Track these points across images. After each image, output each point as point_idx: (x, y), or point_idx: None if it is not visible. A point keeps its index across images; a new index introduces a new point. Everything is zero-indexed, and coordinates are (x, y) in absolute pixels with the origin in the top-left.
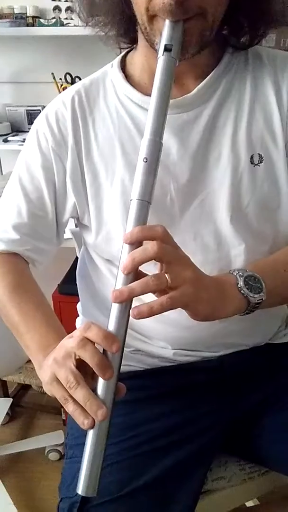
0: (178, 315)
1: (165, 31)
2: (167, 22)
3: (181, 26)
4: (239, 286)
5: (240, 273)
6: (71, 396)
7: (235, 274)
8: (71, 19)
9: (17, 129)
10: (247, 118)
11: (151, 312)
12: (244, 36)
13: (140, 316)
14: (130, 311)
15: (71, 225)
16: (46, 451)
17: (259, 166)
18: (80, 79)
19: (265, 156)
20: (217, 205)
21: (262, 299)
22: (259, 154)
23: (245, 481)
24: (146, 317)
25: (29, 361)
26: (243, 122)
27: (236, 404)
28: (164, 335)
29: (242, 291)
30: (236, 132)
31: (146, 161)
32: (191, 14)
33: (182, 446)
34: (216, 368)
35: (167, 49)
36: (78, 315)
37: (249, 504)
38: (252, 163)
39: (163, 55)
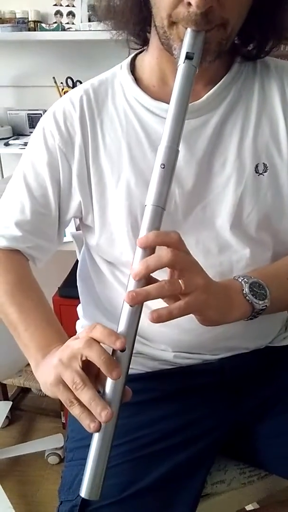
0: (178, 318)
1: (186, 39)
2: (189, 30)
3: (203, 35)
4: (244, 292)
5: (246, 279)
6: (76, 399)
7: (240, 280)
8: (73, 23)
9: (18, 133)
10: (253, 127)
11: (171, 316)
12: (253, 48)
13: (159, 320)
14: (149, 314)
15: (71, 228)
16: (45, 455)
17: (263, 175)
18: (81, 83)
19: (269, 165)
20: (219, 211)
21: (266, 305)
22: (264, 163)
23: (244, 484)
24: (165, 321)
25: (28, 364)
26: (249, 131)
27: (236, 407)
28: (164, 338)
29: (247, 298)
30: (242, 140)
31: (163, 168)
32: (213, 25)
33: (182, 449)
34: (216, 371)
35: (188, 57)
36: (78, 318)
37: (249, 507)
38: (256, 172)
39: (184, 62)
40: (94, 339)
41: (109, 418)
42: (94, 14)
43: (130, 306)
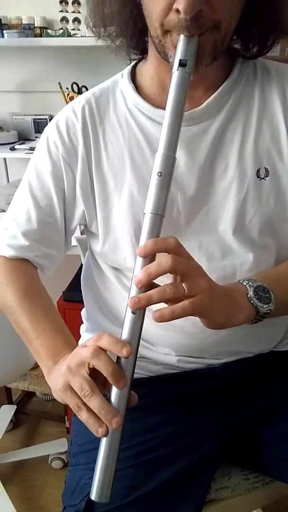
0: (182, 321)
1: (179, 46)
2: (182, 37)
3: (196, 40)
4: (249, 296)
5: (250, 283)
6: (84, 404)
7: (245, 284)
8: (78, 29)
9: (24, 138)
10: (254, 131)
11: (173, 315)
12: (253, 47)
13: (162, 319)
14: (152, 314)
15: (76, 232)
16: (49, 459)
17: (265, 180)
18: (86, 88)
19: (271, 170)
20: (222, 216)
21: (270, 309)
22: (265, 168)
23: (249, 491)
24: (167, 321)
25: (33, 368)
26: (250, 135)
27: (240, 412)
28: (168, 342)
29: (252, 301)
30: (244, 145)
31: (160, 175)
32: (205, 28)
33: (186, 454)
34: (220, 375)
35: (182, 64)
36: (82, 322)
37: None
38: (258, 176)
39: (177, 70)
40: (102, 349)
41: (120, 425)
42: (90, 30)
43: (133, 313)
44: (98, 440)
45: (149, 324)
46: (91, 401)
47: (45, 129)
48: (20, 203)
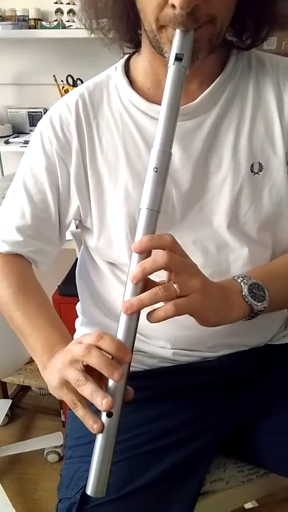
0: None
1: (175, 40)
2: (177, 31)
3: (192, 35)
4: (243, 294)
5: (245, 280)
6: (80, 401)
7: (239, 281)
8: (73, 21)
9: (18, 131)
10: (248, 126)
11: (166, 316)
12: (247, 38)
13: (156, 320)
14: (146, 315)
15: (71, 226)
16: (45, 453)
17: (258, 174)
18: (81, 81)
19: (265, 164)
20: (216, 211)
21: (265, 307)
22: (259, 162)
23: (243, 483)
24: (161, 321)
25: (28, 362)
26: (244, 130)
27: (235, 405)
28: (163, 334)
29: (246, 299)
30: (238, 140)
31: (156, 171)
32: (201, 23)
33: (181, 447)
34: (215, 368)
35: (178, 58)
36: (77, 316)
37: (248, 506)
38: (252, 171)
39: (173, 64)
40: (94, 345)
41: (110, 405)
42: (82, 24)
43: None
44: (93, 434)
45: (144, 317)
46: (84, 389)
47: (39, 124)
48: (14, 199)
